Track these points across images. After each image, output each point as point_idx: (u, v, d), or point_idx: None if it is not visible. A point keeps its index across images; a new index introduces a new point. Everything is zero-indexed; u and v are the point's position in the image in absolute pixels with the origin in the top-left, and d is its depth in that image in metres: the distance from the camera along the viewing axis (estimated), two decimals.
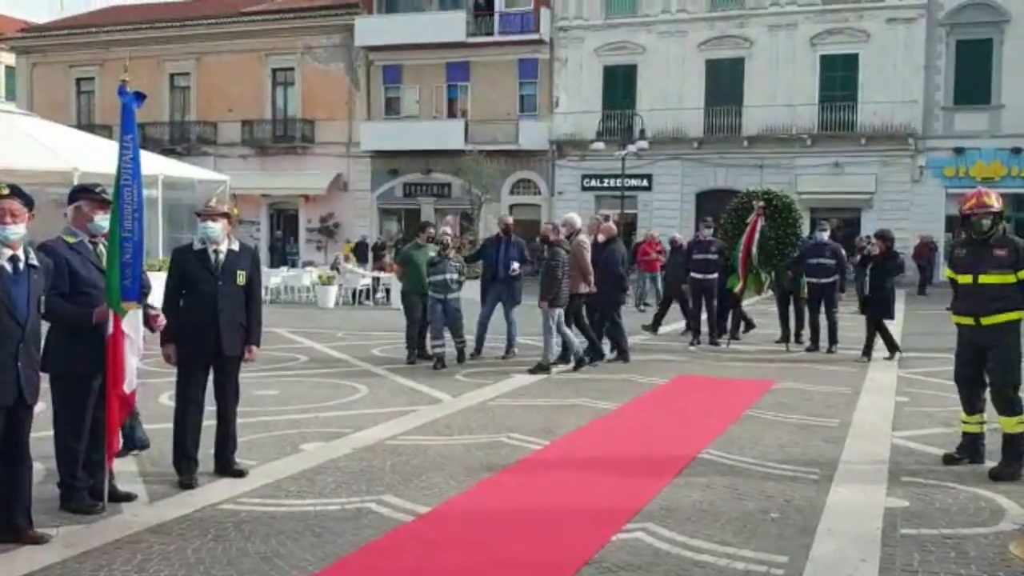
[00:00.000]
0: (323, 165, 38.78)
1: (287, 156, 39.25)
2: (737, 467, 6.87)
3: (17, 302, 4.82)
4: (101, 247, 5.68)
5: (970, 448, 7.02)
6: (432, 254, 12.29)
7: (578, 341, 11.89)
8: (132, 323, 5.63)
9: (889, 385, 10.71)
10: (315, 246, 38.58)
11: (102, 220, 5.65)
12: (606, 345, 12.53)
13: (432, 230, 13.29)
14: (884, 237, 12.96)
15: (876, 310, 12.64)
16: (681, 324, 16.12)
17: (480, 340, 12.86)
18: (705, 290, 14.53)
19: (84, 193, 5.80)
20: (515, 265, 12.74)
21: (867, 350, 12.74)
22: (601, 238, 12.67)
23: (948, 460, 7.03)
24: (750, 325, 15.71)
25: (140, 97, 5.69)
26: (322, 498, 5.98)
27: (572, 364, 11.76)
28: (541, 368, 11.45)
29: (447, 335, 12.00)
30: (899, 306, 22.73)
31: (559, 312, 11.63)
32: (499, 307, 12.87)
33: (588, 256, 11.99)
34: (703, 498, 6.04)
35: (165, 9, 43.28)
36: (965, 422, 7.08)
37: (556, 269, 11.47)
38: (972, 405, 7.01)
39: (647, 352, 13.63)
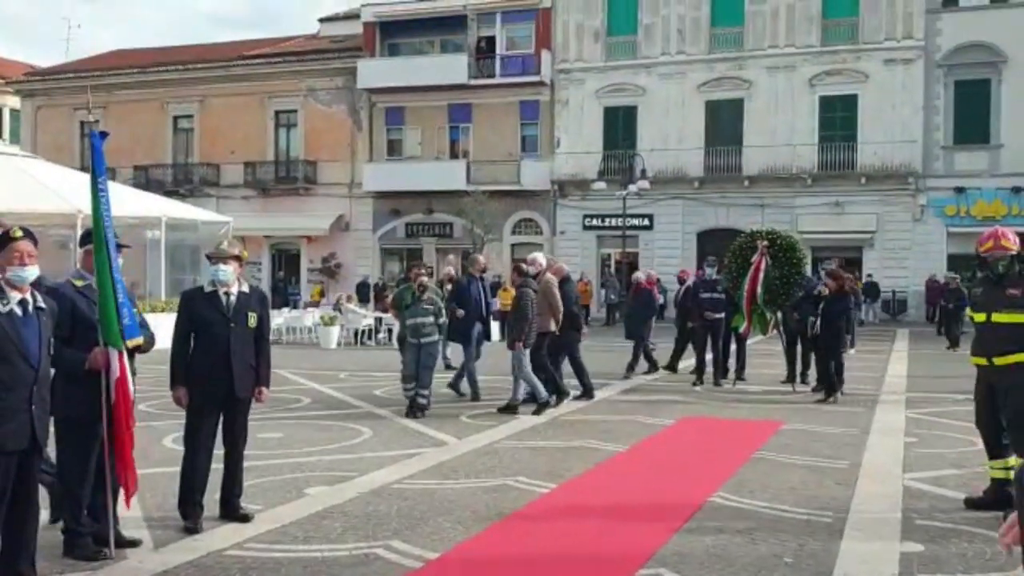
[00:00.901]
0: (325, 206, 38.91)
1: (289, 197, 39.39)
2: (749, 510, 6.79)
3: (29, 345, 4.78)
4: None
5: (997, 493, 6.75)
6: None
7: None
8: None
9: (897, 426, 10.62)
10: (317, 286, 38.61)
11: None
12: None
13: (421, 269, 13.11)
14: (835, 276, 13.09)
15: (826, 348, 12.78)
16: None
17: (474, 386, 12.70)
18: (714, 329, 14.55)
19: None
20: (496, 303, 12.70)
21: (825, 387, 12.77)
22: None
23: (970, 504, 6.84)
24: (654, 367, 15.85)
25: (104, 135, 5.75)
26: (329, 543, 5.90)
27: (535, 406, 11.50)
28: (544, 407, 11.38)
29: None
30: (902, 345, 22.77)
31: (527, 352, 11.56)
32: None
33: (558, 293, 12.01)
34: (716, 543, 5.95)
35: (168, 53, 43.69)
36: (991, 467, 6.92)
37: (526, 309, 11.45)
38: (994, 449, 6.86)
39: (650, 392, 13.57)
